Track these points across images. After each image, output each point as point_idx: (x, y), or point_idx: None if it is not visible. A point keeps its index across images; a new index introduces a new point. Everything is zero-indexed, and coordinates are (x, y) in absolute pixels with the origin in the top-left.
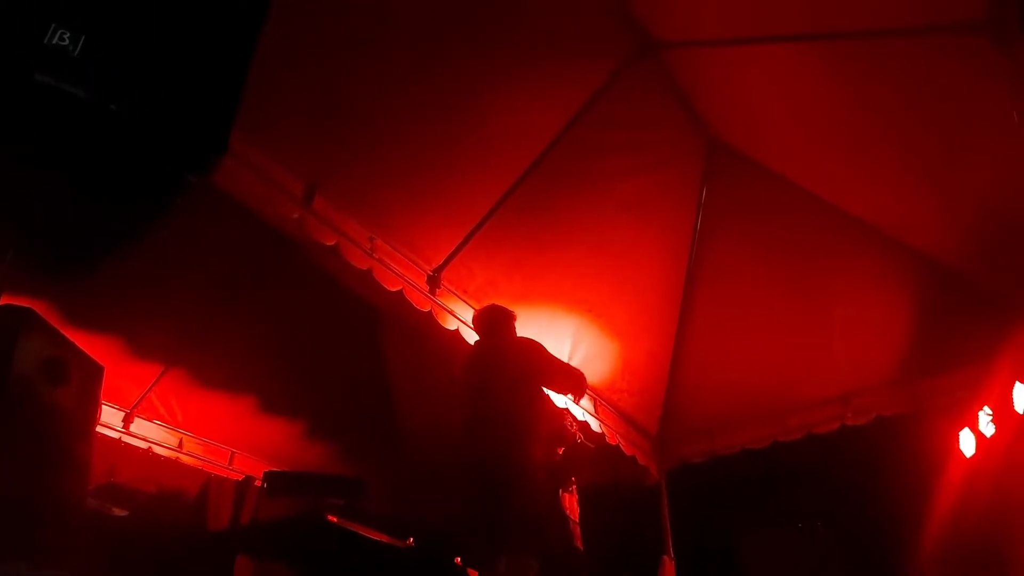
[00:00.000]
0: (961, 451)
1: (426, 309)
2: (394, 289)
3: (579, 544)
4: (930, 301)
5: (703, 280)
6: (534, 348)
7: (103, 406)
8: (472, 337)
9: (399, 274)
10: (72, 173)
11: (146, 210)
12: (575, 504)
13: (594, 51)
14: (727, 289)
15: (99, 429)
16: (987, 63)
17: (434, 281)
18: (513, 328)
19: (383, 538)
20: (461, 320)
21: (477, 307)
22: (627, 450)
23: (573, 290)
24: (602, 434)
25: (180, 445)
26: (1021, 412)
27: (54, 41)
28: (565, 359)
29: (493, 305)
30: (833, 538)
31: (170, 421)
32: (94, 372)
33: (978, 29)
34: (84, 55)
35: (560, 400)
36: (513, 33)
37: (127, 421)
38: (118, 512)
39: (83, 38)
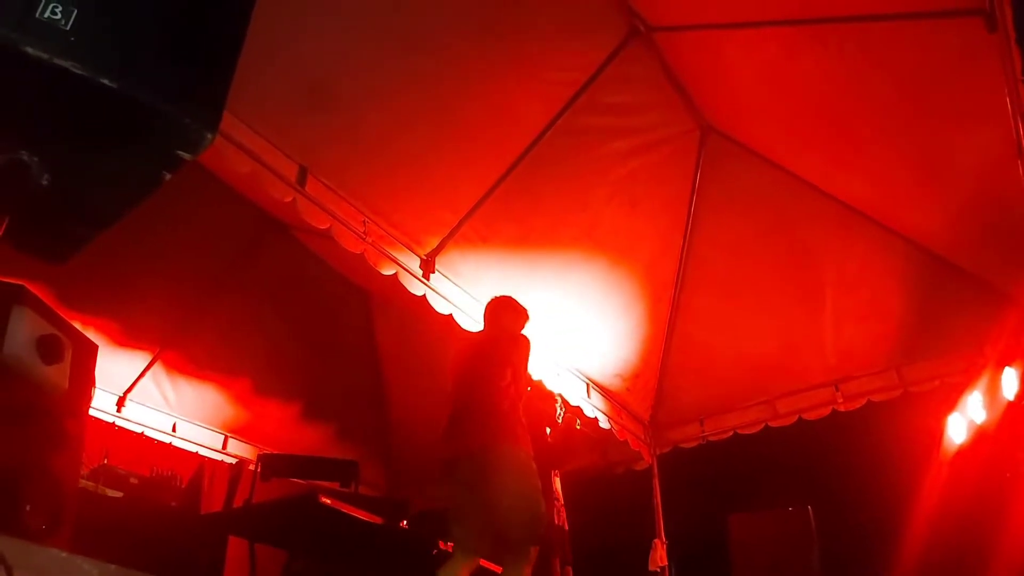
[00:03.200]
0: (950, 436)
1: (420, 293)
2: (388, 273)
3: (564, 524)
4: (920, 288)
5: (696, 266)
6: (521, 347)
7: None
8: (464, 321)
9: (393, 258)
10: (62, 148)
11: (136, 188)
12: (558, 485)
13: (588, 35)
14: (720, 275)
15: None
16: (980, 48)
17: (428, 265)
18: (509, 320)
19: (376, 520)
20: (455, 304)
21: (470, 291)
22: (620, 435)
23: (566, 275)
24: (595, 419)
25: (174, 429)
26: (1009, 398)
27: (46, 15)
28: (559, 344)
29: (501, 298)
30: (823, 522)
31: (163, 405)
32: (88, 350)
33: (972, 12)
34: (76, 29)
35: (552, 381)
36: (507, 17)
37: (120, 404)
38: (112, 494)
39: (75, 11)
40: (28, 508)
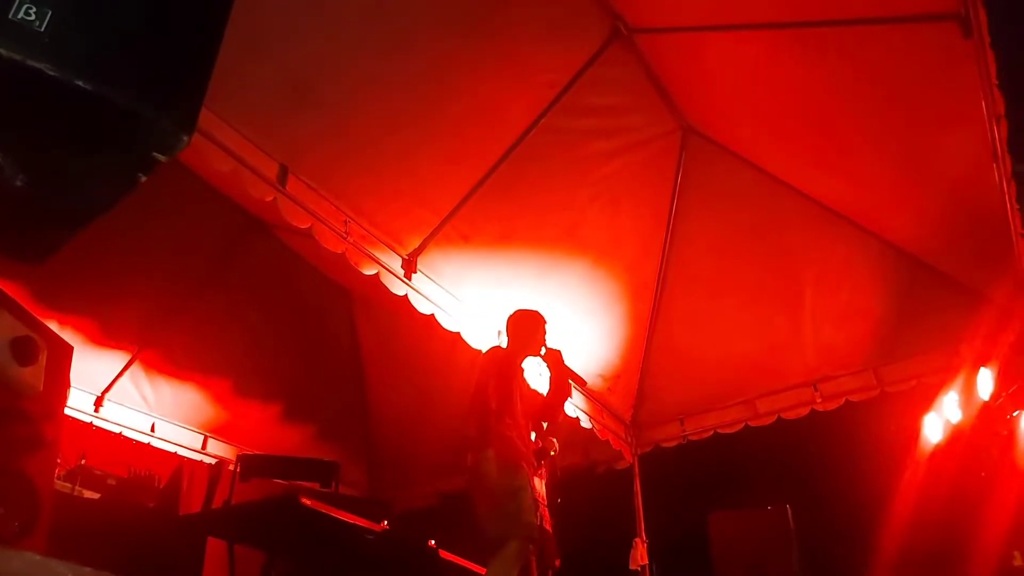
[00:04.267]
0: (926, 436)
1: (401, 293)
2: (369, 273)
3: (548, 526)
4: (898, 288)
5: (677, 267)
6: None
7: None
8: (446, 321)
9: (374, 258)
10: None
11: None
12: (543, 487)
13: (569, 36)
14: (701, 276)
15: (70, 412)
16: (957, 53)
17: (409, 265)
18: (514, 334)
19: (357, 521)
20: (436, 304)
21: (452, 291)
22: (601, 434)
23: (548, 275)
24: (576, 418)
25: (152, 429)
26: (984, 398)
27: (19, 16)
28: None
29: (521, 311)
30: (802, 520)
31: (142, 405)
32: (63, 352)
33: (948, 17)
34: (50, 30)
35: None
36: (490, 17)
37: (98, 404)
38: (89, 495)
39: (49, 13)
40: (1, 511)
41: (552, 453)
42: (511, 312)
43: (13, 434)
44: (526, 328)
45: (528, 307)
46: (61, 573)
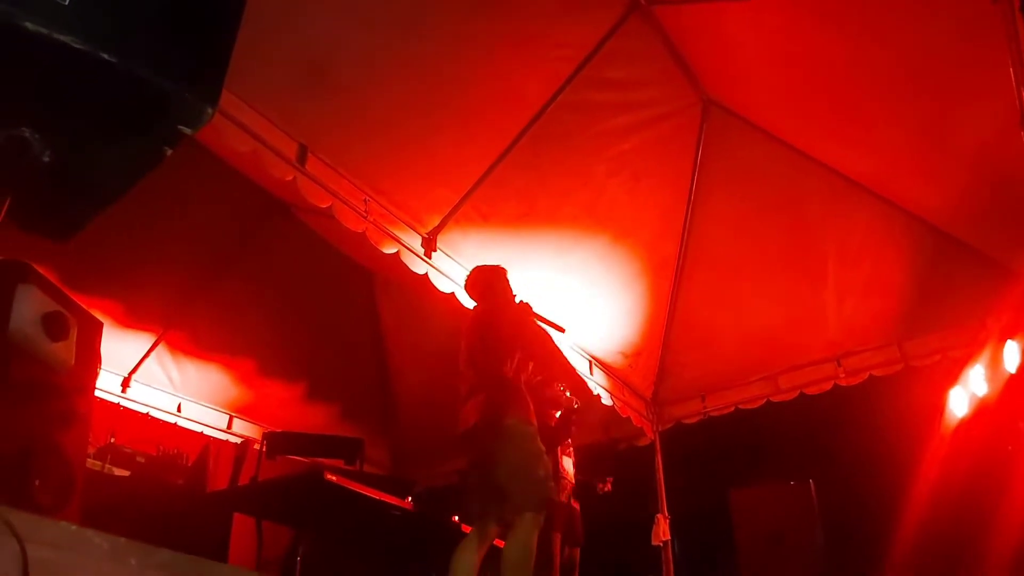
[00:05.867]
0: (951, 410)
1: (421, 272)
2: (389, 252)
3: (575, 503)
4: (922, 261)
5: (698, 242)
6: (523, 314)
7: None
8: (466, 299)
9: (394, 236)
10: (63, 125)
11: (138, 163)
12: (572, 465)
13: (588, 10)
14: (722, 251)
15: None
16: (983, 19)
17: (429, 244)
18: (504, 288)
19: (381, 497)
20: (456, 283)
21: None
22: (622, 411)
23: (568, 253)
24: (598, 396)
25: (179, 409)
26: (1011, 371)
27: None
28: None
29: (479, 268)
30: (825, 495)
31: (168, 385)
32: (93, 327)
33: None
34: (75, 4)
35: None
36: None
37: (125, 385)
38: (119, 472)
39: None
40: (37, 483)
41: (576, 406)
42: (472, 272)
43: (46, 408)
44: (500, 281)
45: (481, 265)
46: (97, 543)
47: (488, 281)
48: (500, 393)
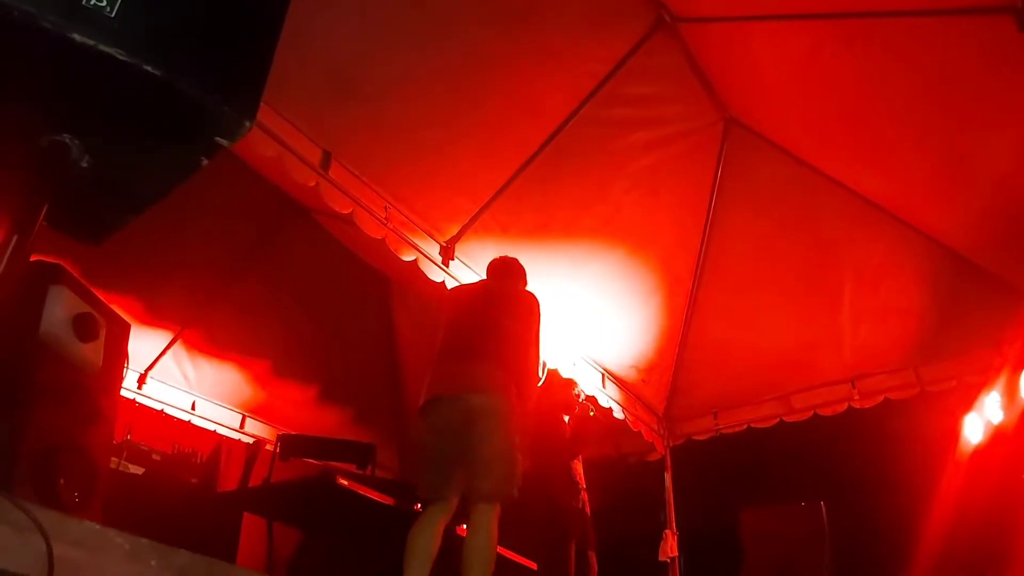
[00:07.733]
0: (966, 436)
1: (439, 280)
2: (407, 259)
3: (587, 509)
4: (940, 286)
5: (715, 260)
6: (535, 308)
7: None
8: None
9: (413, 244)
10: (103, 133)
11: (173, 173)
12: (581, 471)
13: (612, 25)
14: (738, 269)
15: None
16: (1009, 47)
17: (447, 252)
18: (525, 283)
19: (391, 502)
20: None
21: None
22: (634, 425)
23: (585, 266)
24: (609, 408)
25: (193, 407)
26: None
27: (92, 3)
28: (576, 332)
29: (510, 258)
30: (836, 518)
31: (183, 383)
32: (121, 328)
33: (1003, 11)
34: (121, 17)
35: (567, 371)
36: (531, 7)
37: (141, 382)
38: (134, 470)
39: (119, 0)
40: (62, 482)
41: (591, 413)
42: (514, 259)
43: (73, 408)
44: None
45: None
46: (119, 543)
47: (526, 277)
48: (519, 375)
